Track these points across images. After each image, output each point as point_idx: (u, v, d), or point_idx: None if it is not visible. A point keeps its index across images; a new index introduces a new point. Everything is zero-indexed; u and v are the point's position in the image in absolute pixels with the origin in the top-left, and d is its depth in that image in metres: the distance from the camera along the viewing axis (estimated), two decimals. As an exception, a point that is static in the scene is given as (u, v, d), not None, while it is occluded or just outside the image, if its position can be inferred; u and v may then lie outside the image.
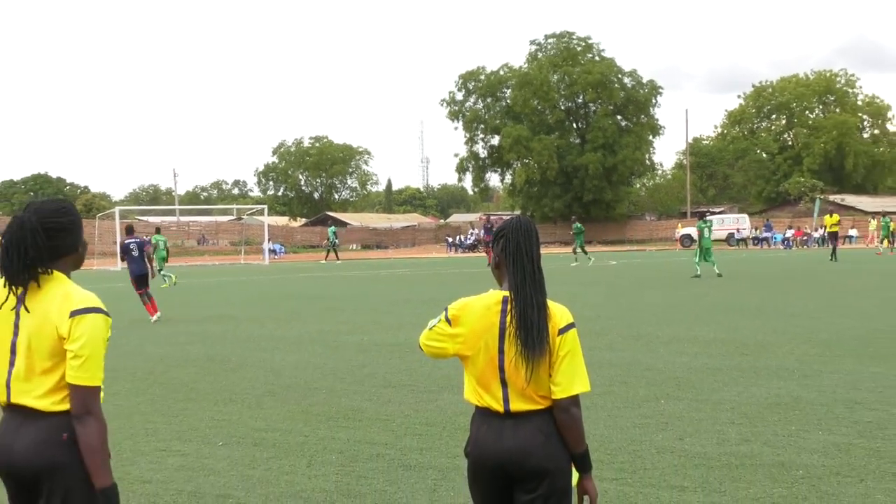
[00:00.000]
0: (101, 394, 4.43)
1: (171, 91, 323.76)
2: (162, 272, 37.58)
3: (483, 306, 4.78)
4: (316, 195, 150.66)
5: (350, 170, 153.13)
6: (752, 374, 14.28)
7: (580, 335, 4.75)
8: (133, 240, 27.10)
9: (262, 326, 23.24)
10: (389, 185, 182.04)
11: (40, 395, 4.35)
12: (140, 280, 26.50)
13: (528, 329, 4.61)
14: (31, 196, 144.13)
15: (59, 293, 4.41)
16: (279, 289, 39.49)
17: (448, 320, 4.85)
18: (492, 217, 76.47)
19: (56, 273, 4.46)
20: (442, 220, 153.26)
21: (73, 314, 4.34)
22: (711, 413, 11.48)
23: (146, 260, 26.85)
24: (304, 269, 58.02)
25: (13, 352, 4.40)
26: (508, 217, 5.03)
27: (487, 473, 4.75)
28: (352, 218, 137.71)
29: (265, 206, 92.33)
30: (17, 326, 4.41)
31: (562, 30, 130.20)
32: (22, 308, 4.42)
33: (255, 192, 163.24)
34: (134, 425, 11.68)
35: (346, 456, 9.89)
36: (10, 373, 4.41)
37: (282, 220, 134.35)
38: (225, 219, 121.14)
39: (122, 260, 27.34)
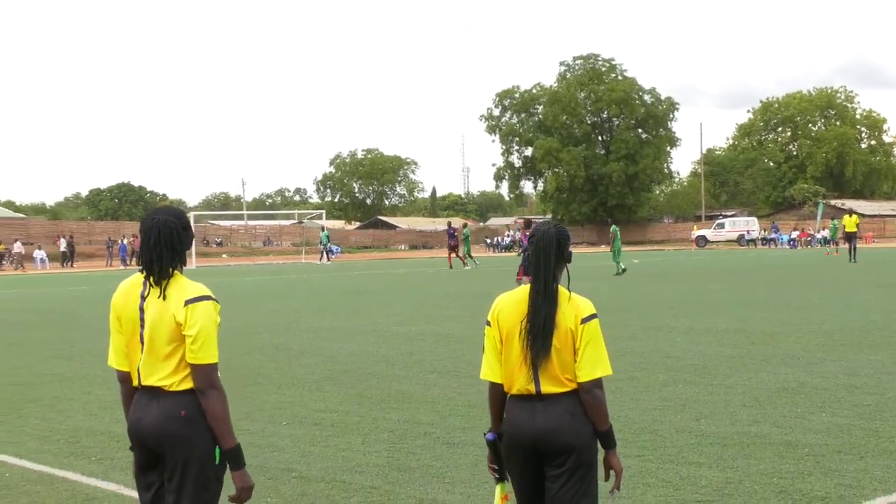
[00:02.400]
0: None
1: (241, 107, 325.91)
2: None
3: (516, 301, 4.83)
4: (368, 201, 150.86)
5: (399, 178, 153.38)
6: (762, 361, 14.19)
7: (604, 326, 4.75)
8: None
9: (320, 318, 23.29)
10: (434, 191, 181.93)
11: (164, 377, 4.51)
12: None
13: (535, 337, 4.67)
14: (115, 203, 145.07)
15: (175, 286, 4.56)
16: (336, 285, 39.55)
17: (488, 323, 4.90)
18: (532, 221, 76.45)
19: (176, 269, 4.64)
20: (481, 223, 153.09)
21: (188, 303, 4.50)
22: (724, 397, 11.41)
23: None
24: (359, 268, 58.08)
25: (143, 342, 4.55)
26: (541, 220, 5.05)
27: (521, 450, 4.76)
28: (400, 221, 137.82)
29: (323, 211, 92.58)
30: (142, 320, 4.56)
31: (588, 52, 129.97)
32: (146, 301, 4.56)
33: (314, 199, 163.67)
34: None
35: (396, 434, 9.89)
36: (140, 360, 4.57)
37: (338, 224, 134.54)
38: (287, 223, 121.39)
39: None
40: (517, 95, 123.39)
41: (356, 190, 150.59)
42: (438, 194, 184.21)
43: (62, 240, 76.91)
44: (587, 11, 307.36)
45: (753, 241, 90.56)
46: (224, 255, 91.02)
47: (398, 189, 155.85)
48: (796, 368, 13.43)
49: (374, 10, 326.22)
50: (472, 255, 53.90)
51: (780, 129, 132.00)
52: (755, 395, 11.49)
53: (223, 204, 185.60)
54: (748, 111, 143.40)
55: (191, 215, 77.99)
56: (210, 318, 4.52)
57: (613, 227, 42.30)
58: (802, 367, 13.50)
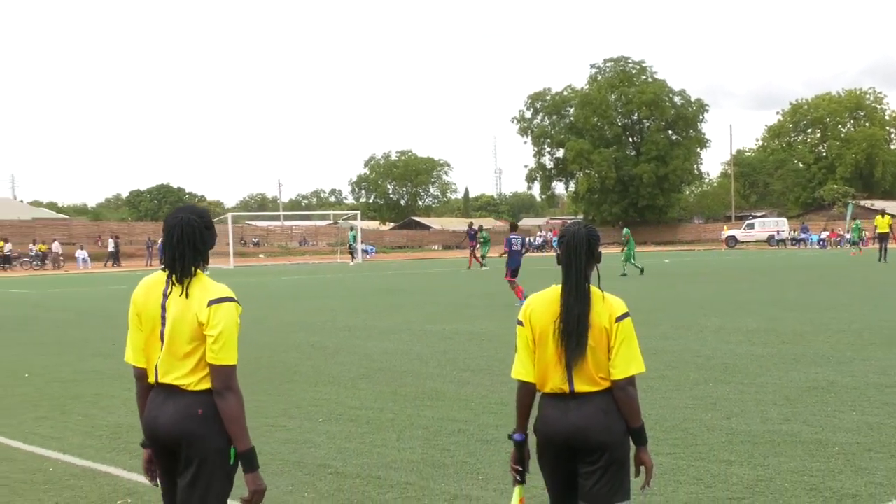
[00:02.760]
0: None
1: (278, 110, 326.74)
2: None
3: (548, 301, 4.82)
4: (402, 202, 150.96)
5: (432, 179, 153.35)
6: (792, 360, 14.12)
7: (636, 325, 4.75)
8: None
9: (355, 317, 23.33)
10: (467, 192, 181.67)
11: (182, 376, 4.48)
12: None
13: (569, 336, 4.66)
14: (155, 204, 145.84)
15: (198, 285, 4.54)
16: (371, 285, 39.60)
17: (521, 322, 4.88)
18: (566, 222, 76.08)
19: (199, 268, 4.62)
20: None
21: (211, 303, 4.46)
22: (755, 395, 11.35)
23: None
24: (393, 268, 58.11)
25: (162, 340, 4.53)
26: (571, 222, 5.04)
27: (553, 448, 4.75)
28: (434, 222, 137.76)
29: (358, 212, 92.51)
30: (163, 318, 4.53)
31: (619, 54, 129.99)
32: (168, 299, 4.54)
33: (349, 200, 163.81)
34: (245, 403, 11.74)
35: (430, 431, 9.90)
36: (158, 358, 4.54)
37: (372, 224, 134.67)
38: (323, 223, 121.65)
39: None
40: (549, 98, 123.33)
41: (390, 191, 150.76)
42: (471, 195, 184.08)
43: (110, 240, 77.76)
44: (618, 14, 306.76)
45: (783, 241, 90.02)
46: (261, 255, 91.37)
47: (431, 190, 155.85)
48: (826, 367, 13.35)
49: (409, 14, 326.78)
50: (487, 257, 53.36)
51: (809, 130, 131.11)
52: (785, 393, 11.43)
53: (260, 205, 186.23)
54: (777, 112, 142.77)
55: (228, 216, 78.54)
56: (232, 320, 4.49)
57: (626, 229, 41.72)
58: (832, 366, 13.41)
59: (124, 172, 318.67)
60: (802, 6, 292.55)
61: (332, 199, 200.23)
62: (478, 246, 52.46)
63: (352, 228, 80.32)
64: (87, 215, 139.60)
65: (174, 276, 4.53)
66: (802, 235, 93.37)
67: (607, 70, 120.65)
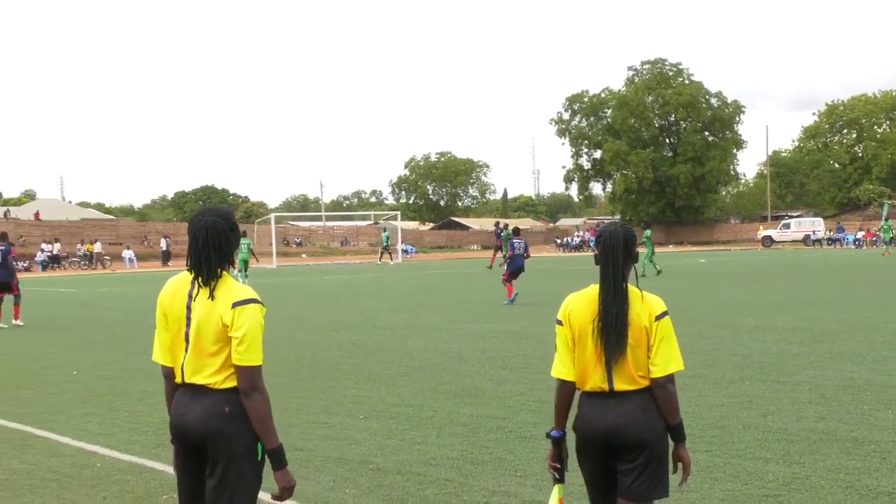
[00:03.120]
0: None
1: (320, 112, 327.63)
2: (238, 274, 36.80)
3: (586, 300, 4.83)
4: (442, 203, 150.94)
5: (471, 180, 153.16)
6: (828, 359, 14.02)
7: (675, 324, 4.73)
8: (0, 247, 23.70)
9: (396, 316, 23.36)
10: (505, 193, 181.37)
11: (208, 375, 4.47)
12: (2, 286, 23.48)
13: (609, 335, 4.66)
14: (199, 205, 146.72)
15: (223, 287, 4.51)
16: (410, 284, 39.66)
17: (559, 322, 4.89)
18: (601, 223, 75.83)
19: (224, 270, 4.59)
20: (551, 224, 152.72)
21: (235, 305, 4.44)
22: (791, 393, 11.28)
23: (11, 268, 23.73)
24: (432, 267, 58.13)
25: (187, 340, 4.52)
26: (608, 222, 5.05)
27: (593, 446, 4.76)
28: (473, 222, 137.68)
29: (398, 213, 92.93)
30: (189, 318, 4.52)
31: (656, 57, 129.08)
32: (193, 300, 4.52)
33: (390, 200, 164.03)
34: (287, 400, 11.79)
35: (469, 428, 9.90)
36: (184, 358, 4.53)
37: (412, 225, 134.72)
38: (364, 223, 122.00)
39: None
40: (586, 100, 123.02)
41: (430, 192, 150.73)
42: (509, 196, 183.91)
43: (163, 240, 78.73)
44: (656, 17, 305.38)
45: (819, 241, 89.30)
46: (303, 255, 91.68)
47: (470, 191, 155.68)
48: (862, 366, 13.24)
49: (450, 18, 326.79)
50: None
51: (845, 131, 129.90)
52: (821, 392, 11.35)
53: (302, 205, 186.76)
54: (813, 114, 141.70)
55: (272, 216, 78.95)
56: (256, 321, 4.48)
57: (647, 230, 40.89)
58: (868, 365, 13.30)
59: (170, 174, 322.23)
60: (840, 9, 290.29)
61: (373, 199, 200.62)
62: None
63: (385, 229, 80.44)
64: (134, 216, 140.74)
65: (200, 279, 4.51)
66: (838, 235, 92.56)
67: (644, 72, 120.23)
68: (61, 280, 53.69)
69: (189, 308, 4.53)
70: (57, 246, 78.83)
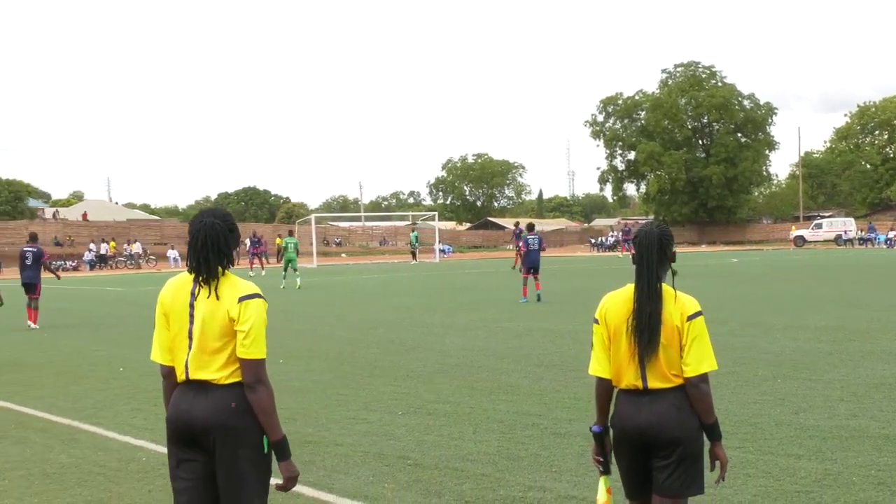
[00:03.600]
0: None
1: (360, 115, 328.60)
2: (285, 274, 36.66)
3: (622, 299, 4.82)
4: (478, 203, 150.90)
5: (507, 181, 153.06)
6: (859, 357, 13.91)
7: (708, 323, 4.70)
8: (31, 249, 23.66)
9: (433, 314, 23.38)
10: (541, 194, 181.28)
11: (213, 371, 4.48)
12: (28, 287, 23.30)
13: (642, 333, 4.66)
14: (242, 206, 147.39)
15: (226, 284, 4.54)
16: (448, 283, 39.67)
17: (596, 321, 4.90)
18: (628, 222, 75.51)
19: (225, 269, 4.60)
20: (586, 224, 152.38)
21: (241, 300, 4.47)
22: (823, 391, 11.20)
23: (40, 270, 23.63)
24: (469, 266, 58.10)
25: (190, 338, 4.52)
26: (644, 222, 5.05)
27: (628, 442, 4.75)
28: (508, 222, 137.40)
29: (436, 213, 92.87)
30: (192, 316, 4.53)
31: (689, 59, 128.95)
32: (196, 298, 4.53)
33: (427, 201, 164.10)
34: (328, 397, 11.83)
35: (505, 425, 9.90)
36: (188, 356, 4.53)
37: (449, 225, 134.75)
38: (402, 224, 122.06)
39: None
40: (620, 102, 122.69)
41: (467, 192, 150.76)
42: (545, 196, 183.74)
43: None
44: (689, 20, 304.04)
45: (850, 240, 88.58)
46: (343, 255, 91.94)
47: (506, 191, 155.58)
48: (893, 364, 13.13)
49: (485, 23, 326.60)
50: None
51: (876, 132, 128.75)
52: (853, 389, 11.27)
53: (342, 206, 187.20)
54: (845, 115, 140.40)
55: (312, 217, 79.15)
56: (260, 316, 4.49)
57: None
58: (900, 364, 13.20)
59: (214, 175, 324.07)
60: (872, 13, 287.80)
61: (411, 200, 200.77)
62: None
63: (413, 230, 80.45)
64: (179, 216, 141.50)
65: (201, 279, 4.53)
66: (869, 235, 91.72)
67: (678, 75, 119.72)
68: (108, 279, 54.13)
69: (192, 307, 4.53)
70: (104, 246, 79.46)
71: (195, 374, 4.51)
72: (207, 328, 4.47)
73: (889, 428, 9.16)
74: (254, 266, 53.18)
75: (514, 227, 52.95)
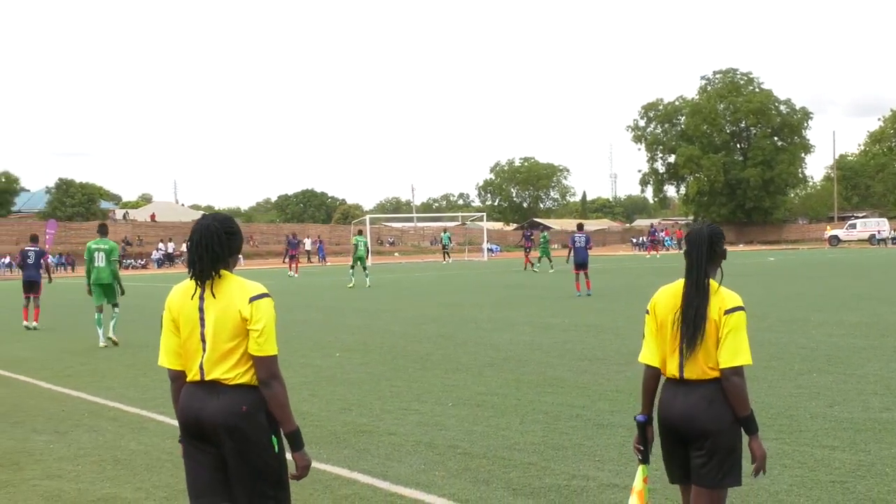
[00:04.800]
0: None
1: (413, 121, 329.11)
2: (352, 271, 36.25)
3: (672, 293, 4.84)
4: (525, 205, 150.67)
5: (552, 184, 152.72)
6: (893, 352, 13.74)
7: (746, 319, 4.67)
8: (33, 248, 23.45)
9: (482, 311, 23.36)
10: (584, 196, 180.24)
11: (226, 371, 4.45)
12: (29, 286, 22.89)
13: (687, 327, 4.65)
14: (300, 207, 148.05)
15: (234, 285, 4.51)
16: (495, 280, 39.64)
17: (648, 311, 4.93)
18: (655, 224, 74.85)
19: (223, 271, 4.54)
20: (627, 225, 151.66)
21: (252, 300, 4.44)
22: (857, 385, 11.08)
23: (40, 269, 23.40)
24: (516, 265, 57.98)
25: (203, 340, 4.50)
26: (695, 223, 5.06)
27: (665, 431, 4.78)
28: (553, 223, 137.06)
29: (484, 214, 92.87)
30: (202, 320, 4.50)
31: (727, 66, 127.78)
32: (204, 302, 4.50)
33: (476, 203, 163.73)
34: (381, 388, 11.86)
35: (550, 416, 9.87)
36: (202, 358, 4.50)
37: (497, 225, 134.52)
38: (452, 224, 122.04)
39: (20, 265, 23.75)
40: (661, 107, 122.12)
41: (514, 194, 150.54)
42: (588, 198, 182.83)
43: (307, 240, 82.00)
44: (727, 29, 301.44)
45: (884, 240, 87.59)
46: (396, 254, 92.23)
47: (552, 193, 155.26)
48: (926, 360, 12.97)
49: (533, 33, 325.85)
50: (551, 259, 48.60)
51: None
52: (887, 383, 11.13)
53: (395, 208, 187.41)
54: (879, 119, 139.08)
55: (367, 218, 79.41)
56: (271, 314, 4.49)
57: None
58: (932, 359, 13.02)
59: (274, 178, 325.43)
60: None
61: (461, 202, 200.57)
62: (532, 247, 49.60)
63: (445, 230, 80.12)
64: (241, 217, 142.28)
65: (195, 278, 4.51)
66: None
67: (716, 81, 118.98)
68: (175, 276, 54.57)
69: (202, 310, 4.50)
70: (171, 245, 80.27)
71: (210, 375, 4.49)
72: (220, 329, 4.45)
73: (921, 421, 9.04)
74: (291, 267, 50.17)
75: (523, 229, 51.67)
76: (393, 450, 8.56)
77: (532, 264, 49.38)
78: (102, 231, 19.10)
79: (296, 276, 47.54)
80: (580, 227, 29.91)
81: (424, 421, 9.82)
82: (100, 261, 18.27)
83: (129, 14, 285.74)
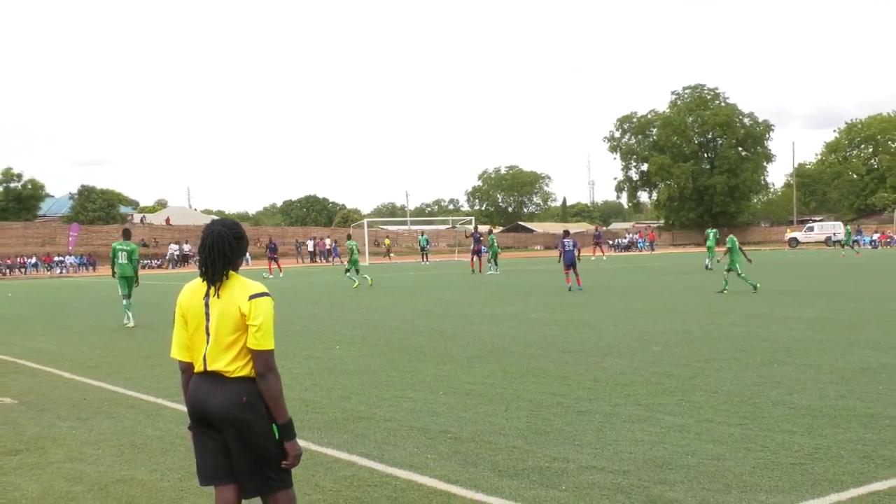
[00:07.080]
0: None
1: (407, 130, 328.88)
2: (348, 273, 35.97)
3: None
4: (510, 209, 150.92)
5: (535, 190, 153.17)
6: (847, 345, 13.76)
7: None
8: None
9: (470, 307, 23.34)
10: (564, 201, 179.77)
11: (227, 363, 4.49)
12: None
13: None
14: (303, 211, 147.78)
15: (237, 284, 4.55)
16: (481, 279, 39.61)
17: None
18: (600, 227, 74.35)
19: (230, 271, 4.59)
20: (604, 228, 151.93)
21: (251, 298, 4.49)
22: (814, 375, 11.09)
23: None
24: (502, 265, 57.92)
25: (208, 333, 4.54)
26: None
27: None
28: (536, 226, 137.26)
29: (473, 218, 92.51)
30: (207, 315, 4.54)
31: (696, 82, 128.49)
32: (210, 298, 4.55)
33: (465, 207, 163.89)
34: (378, 379, 11.84)
35: (533, 403, 9.86)
36: (206, 349, 4.54)
37: (484, 228, 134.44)
38: (443, 227, 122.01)
39: None
40: (635, 120, 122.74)
41: (500, 200, 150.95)
42: (568, 203, 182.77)
43: (310, 241, 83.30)
44: (695, 47, 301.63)
45: (839, 242, 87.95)
46: (391, 255, 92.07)
47: (535, 199, 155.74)
48: (878, 351, 12.98)
49: (515, 48, 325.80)
50: (498, 262, 46.82)
51: (862, 146, 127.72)
52: (841, 373, 11.15)
53: (390, 212, 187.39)
54: (834, 131, 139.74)
55: (364, 221, 79.33)
56: (270, 311, 4.51)
57: (730, 237, 31.86)
58: (884, 350, 13.03)
59: (279, 184, 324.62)
60: (858, 36, 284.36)
61: (451, 206, 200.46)
62: (484, 250, 47.03)
63: (422, 234, 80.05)
64: (248, 221, 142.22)
65: (207, 280, 4.55)
66: (856, 237, 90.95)
67: (686, 96, 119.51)
68: (188, 275, 54.39)
69: (207, 306, 4.55)
70: (186, 246, 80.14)
71: (212, 366, 4.52)
72: (222, 324, 4.49)
73: (874, 407, 9.04)
74: (272, 269, 49.37)
75: (474, 232, 48.94)
76: (389, 434, 8.54)
77: (485, 268, 46.11)
78: (126, 235, 21.39)
79: (271, 277, 47.01)
80: (566, 233, 31.02)
81: (417, 408, 9.80)
82: (122, 258, 20.77)
83: (148, 37, 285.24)
